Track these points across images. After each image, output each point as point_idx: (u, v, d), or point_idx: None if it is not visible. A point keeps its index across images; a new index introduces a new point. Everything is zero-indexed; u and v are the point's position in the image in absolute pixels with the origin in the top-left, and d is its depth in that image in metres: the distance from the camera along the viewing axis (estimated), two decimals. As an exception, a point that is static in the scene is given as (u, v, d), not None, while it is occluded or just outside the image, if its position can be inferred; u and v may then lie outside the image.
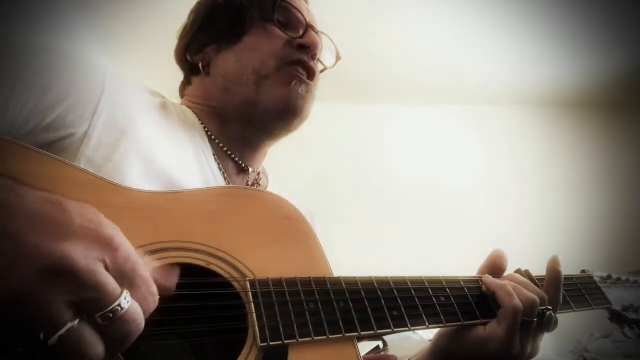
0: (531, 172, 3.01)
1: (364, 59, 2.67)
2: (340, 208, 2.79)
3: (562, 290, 0.67)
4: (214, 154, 0.71)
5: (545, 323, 0.61)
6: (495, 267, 0.69)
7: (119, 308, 0.32)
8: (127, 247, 0.35)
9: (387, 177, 2.99)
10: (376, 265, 0.90)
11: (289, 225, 0.58)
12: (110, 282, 0.33)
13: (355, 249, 2.49)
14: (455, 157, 3.08)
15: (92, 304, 0.32)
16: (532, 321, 0.60)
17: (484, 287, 0.64)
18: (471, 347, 0.60)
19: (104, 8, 2.20)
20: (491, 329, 0.60)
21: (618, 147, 3.03)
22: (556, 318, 0.62)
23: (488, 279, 0.65)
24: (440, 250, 2.65)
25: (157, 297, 0.37)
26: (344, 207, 2.84)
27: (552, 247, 2.72)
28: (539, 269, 0.71)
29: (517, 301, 0.59)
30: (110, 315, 0.32)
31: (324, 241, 0.60)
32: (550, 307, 0.62)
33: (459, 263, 1.08)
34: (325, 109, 2.87)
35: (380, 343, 1.78)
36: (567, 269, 0.78)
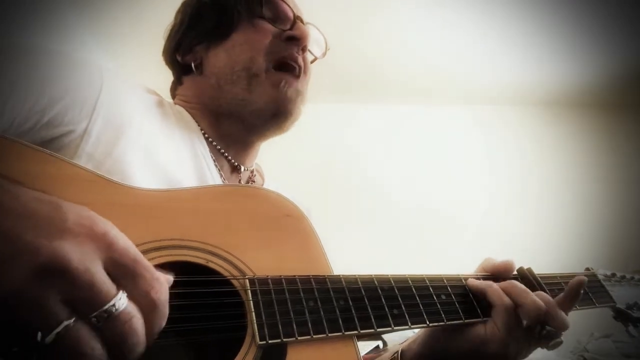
0: (532, 172, 3.01)
1: (363, 59, 2.67)
2: (340, 207, 2.79)
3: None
4: (210, 153, 0.72)
5: (552, 345, 0.60)
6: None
7: (114, 309, 0.32)
8: (123, 240, 0.35)
9: (386, 177, 2.99)
10: (377, 264, 0.90)
11: (290, 223, 0.57)
12: (105, 281, 0.32)
13: (357, 248, 2.49)
14: (455, 157, 3.08)
15: (86, 303, 0.31)
16: (537, 328, 0.59)
17: (475, 289, 0.63)
18: (470, 346, 0.59)
19: (104, 8, 2.20)
20: (491, 330, 0.59)
21: (620, 146, 3.02)
22: (561, 341, 0.60)
23: (472, 282, 0.64)
24: (441, 250, 2.65)
25: (166, 285, 0.36)
26: (344, 206, 2.84)
27: (553, 247, 2.72)
28: (541, 269, 0.70)
29: (506, 299, 0.59)
30: (105, 315, 0.32)
31: (324, 240, 0.59)
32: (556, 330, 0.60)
33: (459, 261, 1.07)
34: (324, 108, 2.88)
35: (380, 343, 1.77)
36: (570, 268, 0.77)
